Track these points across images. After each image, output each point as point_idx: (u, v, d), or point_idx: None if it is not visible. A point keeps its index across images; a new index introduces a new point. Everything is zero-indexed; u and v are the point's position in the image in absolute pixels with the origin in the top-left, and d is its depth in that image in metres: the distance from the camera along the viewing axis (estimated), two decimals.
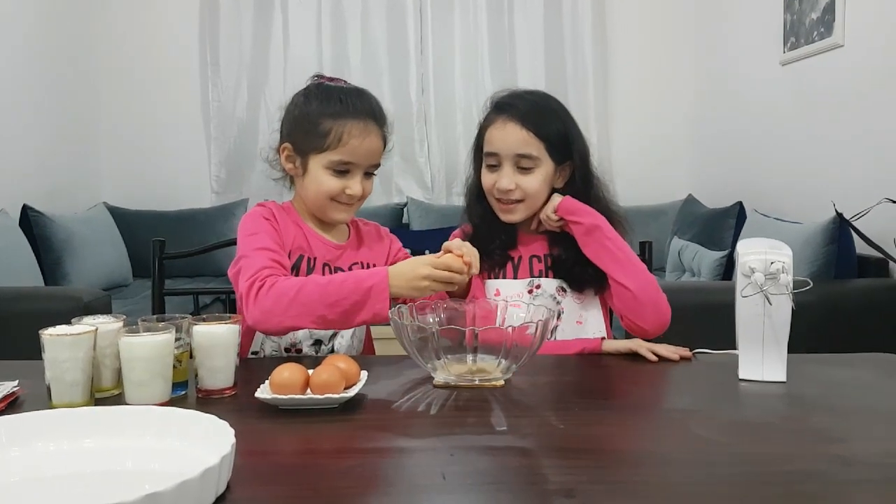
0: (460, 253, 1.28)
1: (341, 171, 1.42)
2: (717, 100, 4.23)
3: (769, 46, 3.52)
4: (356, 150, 1.41)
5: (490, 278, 1.54)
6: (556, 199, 1.50)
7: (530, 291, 1.52)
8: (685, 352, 1.37)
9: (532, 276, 1.54)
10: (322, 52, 4.54)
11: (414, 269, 1.27)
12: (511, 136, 1.48)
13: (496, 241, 1.54)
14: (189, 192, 4.47)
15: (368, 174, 1.47)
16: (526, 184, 1.49)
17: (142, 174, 4.49)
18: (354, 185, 1.43)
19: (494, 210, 1.54)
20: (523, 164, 1.48)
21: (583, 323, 1.51)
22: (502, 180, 1.49)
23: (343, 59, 4.55)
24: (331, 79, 1.51)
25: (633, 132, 4.64)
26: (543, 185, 1.50)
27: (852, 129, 2.89)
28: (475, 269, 1.29)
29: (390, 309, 1.24)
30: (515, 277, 1.54)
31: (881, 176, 2.67)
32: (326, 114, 1.42)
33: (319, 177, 1.43)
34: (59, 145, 3.99)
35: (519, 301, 1.34)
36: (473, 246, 1.48)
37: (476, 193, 1.58)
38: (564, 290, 1.52)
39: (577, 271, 1.51)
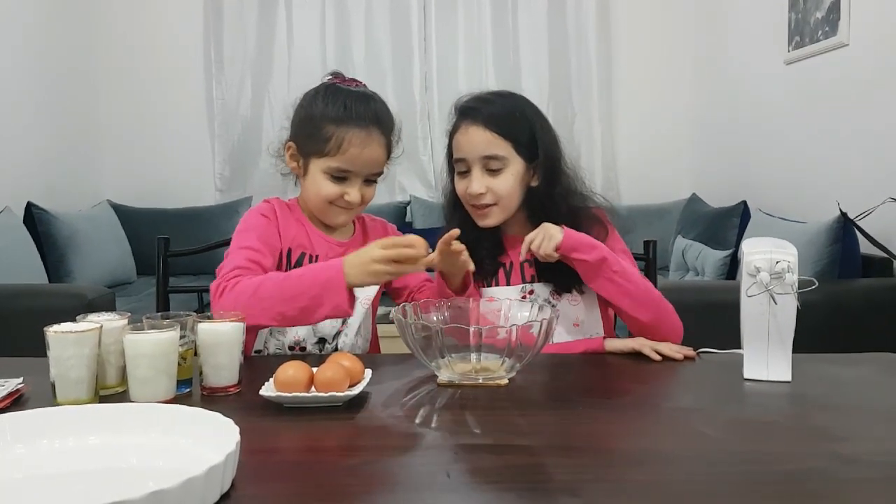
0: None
1: (339, 177, 1.42)
2: (722, 99, 4.23)
3: (774, 45, 3.51)
4: (355, 159, 1.41)
5: (483, 286, 1.53)
6: (556, 235, 1.40)
7: (524, 297, 1.50)
8: (689, 351, 1.36)
9: (524, 281, 1.52)
10: (326, 49, 4.55)
11: (366, 254, 1.25)
12: (475, 139, 1.46)
13: (483, 248, 1.52)
14: (193, 189, 4.47)
15: (369, 181, 1.46)
16: (496, 186, 1.46)
17: (145, 172, 4.50)
18: (353, 191, 1.42)
19: (472, 216, 1.52)
20: (492, 166, 1.46)
21: (580, 325, 1.50)
22: (472, 184, 1.46)
23: (347, 56, 4.55)
24: (345, 80, 1.49)
25: (637, 131, 4.64)
26: (515, 185, 1.48)
27: (857, 128, 2.88)
28: (427, 250, 1.25)
29: (395, 308, 1.24)
30: (508, 284, 1.53)
31: (886, 175, 2.67)
32: (329, 118, 1.41)
33: (318, 181, 1.43)
34: (63, 143, 4.00)
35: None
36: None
37: (452, 202, 1.56)
38: (559, 294, 1.51)
39: (565, 272, 1.47)
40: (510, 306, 1.33)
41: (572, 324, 1.50)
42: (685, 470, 0.86)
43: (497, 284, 1.53)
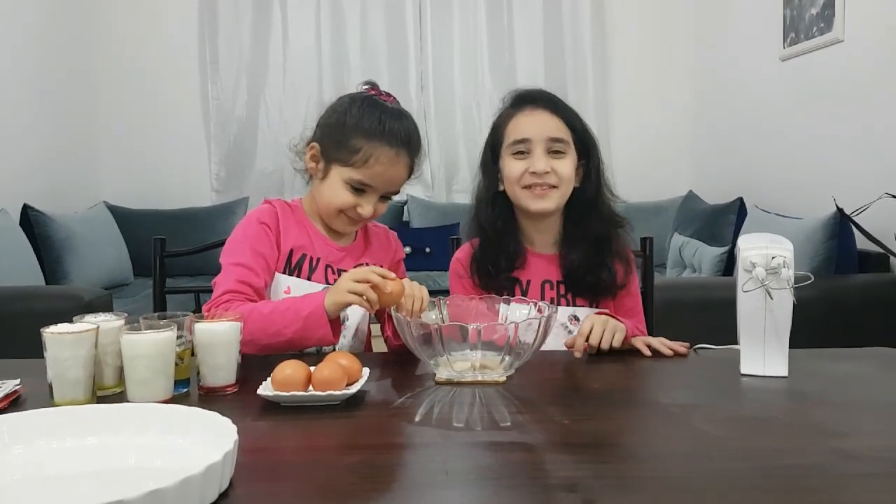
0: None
1: (358, 189, 1.42)
2: (718, 96, 4.23)
3: (769, 42, 3.52)
4: (379, 177, 1.40)
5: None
6: (620, 326, 1.35)
7: None
8: (679, 347, 1.36)
9: (543, 298, 1.49)
10: (321, 50, 4.55)
11: (339, 283, 1.27)
12: (542, 121, 1.46)
13: (503, 260, 1.49)
14: (189, 190, 4.47)
15: (384, 198, 1.46)
16: (560, 168, 1.45)
17: (142, 173, 4.49)
18: (367, 206, 1.42)
19: (522, 203, 1.47)
20: (556, 148, 1.45)
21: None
22: (537, 163, 1.44)
23: (342, 56, 4.55)
24: (381, 93, 1.48)
25: (633, 129, 4.64)
26: (573, 174, 1.48)
27: (852, 124, 2.89)
28: (391, 287, 1.23)
29: (393, 307, 1.24)
30: None
31: (881, 171, 2.67)
32: (362, 130, 1.40)
33: (336, 188, 1.42)
34: (60, 145, 3.99)
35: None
36: (479, 259, 1.49)
37: (488, 199, 1.52)
38: (577, 319, 1.49)
39: (590, 280, 1.48)
40: (509, 304, 1.33)
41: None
42: (683, 465, 0.86)
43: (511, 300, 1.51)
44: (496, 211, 1.52)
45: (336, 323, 1.29)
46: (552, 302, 1.49)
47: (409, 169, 1.46)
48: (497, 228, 1.51)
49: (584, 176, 1.51)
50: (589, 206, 1.50)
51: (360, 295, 1.24)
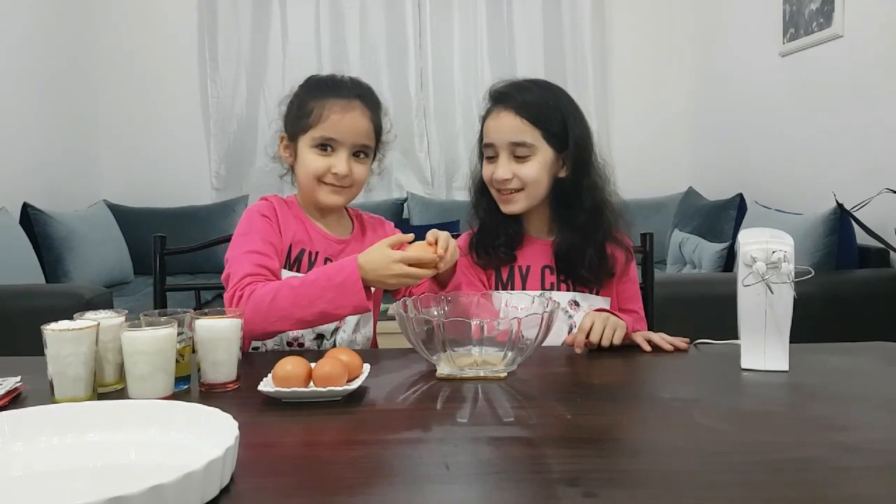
0: (433, 240, 1.28)
1: (324, 147, 1.42)
2: (717, 91, 4.23)
3: (768, 37, 3.51)
4: (337, 126, 1.41)
5: (498, 290, 1.52)
6: (621, 323, 1.36)
7: None
8: (680, 343, 1.36)
9: (543, 288, 1.52)
10: (321, 46, 4.54)
11: (385, 262, 1.27)
12: (505, 125, 1.47)
13: (501, 236, 1.53)
14: (189, 188, 4.46)
15: (357, 155, 1.45)
16: (523, 172, 1.47)
17: (142, 171, 4.49)
18: (339, 163, 1.42)
19: (497, 202, 1.52)
20: (519, 153, 1.46)
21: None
22: (499, 170, 1.47)
23: (342, 53, 4.54)
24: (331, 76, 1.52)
25: (633, 125, 4.63)
26: (542, 172, 1.48)
27: (852, 119, 2.89)
28: (445, 263, 1.29)
29: (395, 303, 1.24)
30: (524, 288, 1.52)
31: (881, 166, 2.67)
32: (312, 96, 1.44)
33: (306, 158, 1.44)
34: (59, 143, 3.99)
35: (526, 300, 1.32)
36: (480, 243, 1.49)
37: (480, 188, 1.56)
38: (577, 304, 1.50)
39: (581, 265, 1.49)
40: (510, 299, 1.33)
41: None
42: (684, 460, 0.86)
43: (513, 288, 1.52)
44: (488, 196, 1.54)
45: (369, 291, 1.30)
46: (552, 287, 1.51)
47: (371, 121, 1.46)
48: (492, 215, 1.54)
49: (568, 167, 1.50)
50: (575, 196, 1.49)
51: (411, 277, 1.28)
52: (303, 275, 1.39)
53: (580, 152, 1.49)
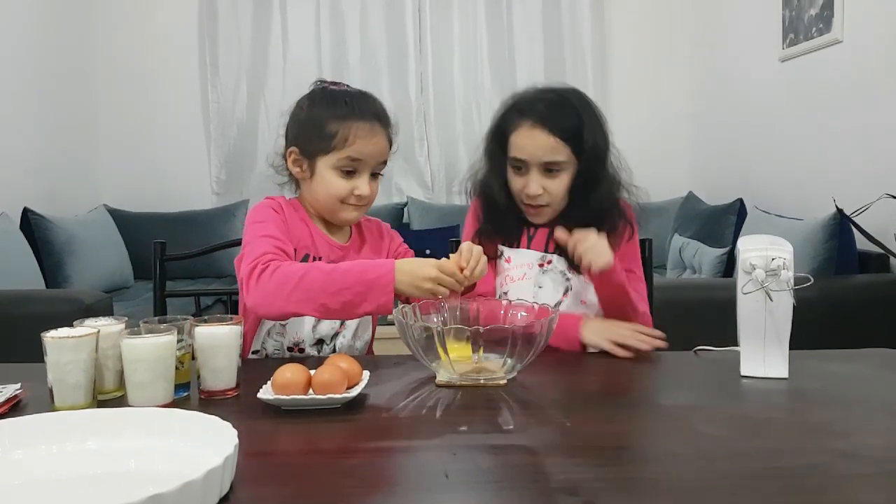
0: (466, 260, 1.27)
1: (349, 171, 1.42)
2: (717, 96, 4.23)
3: (768, 42, 3.52)
4: (363, 150, 1.42)
5: (503, 245, 1.57)
6: (606, 256, 1.40)
7: (541, 265, 1.53)
8: (655, 341, 1.38)
9: (546, 250, 1.55)
10: (321, 51, 4.55)
11: (421, 270, 1.27)
12: (539, 143, 1.46)
13: (512, 213, 1.56)
14: (189, 193, 4.47)
15: (375, 175, 1.47)
16: (553, 187, 1.49)
17: (142, 176, 4.49)
18: (363, 185, 1.43)
19: (522, 211, 1.55)
20: (550, 168, 1.48)
21: (586, 303, 1.53)
22: (531, 186, 1.48)
23: (342, 58, 4.55)
24: (333, 83, 1.51)
25: (633, 129, 4.59)
26: (568, 184, 1.50)
27: (852, 124, 2.89)
28: (476, 278, 1.28)
29: (395, 310, 1.24)
30: (528, 247, 1.56)
31: (881, 171, 2.67)
32: (332, 116, 1.42)
33: (327, 178, 1.43)
34: (59, 148, 4.00)
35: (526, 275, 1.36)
36: (490, 219, 1.54)
37: (500, 184, 1.55)
38: (576, 269, 1.52)
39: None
40: (510, 306, 1.33)
41: (580, 300, 1.53)
42: (683, 467, 0.86)
43: (518, 247, 1.56)
44: (505, 192, 1.55)
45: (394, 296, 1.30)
46: (555, 251, 1.54)
47: (388, 141, 1.47)
48: (504, 205, 1.55)
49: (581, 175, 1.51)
50: (583, 202, 1.51)
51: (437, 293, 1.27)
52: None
53: (594, 161, 1.51)
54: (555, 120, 1.47)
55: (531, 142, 1.47)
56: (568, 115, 1.49)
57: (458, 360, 1.16)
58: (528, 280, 1.54)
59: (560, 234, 1.46)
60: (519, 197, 1.53)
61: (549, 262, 1.54)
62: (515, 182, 1.52)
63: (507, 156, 1.52)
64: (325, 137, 1.42)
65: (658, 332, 1.40)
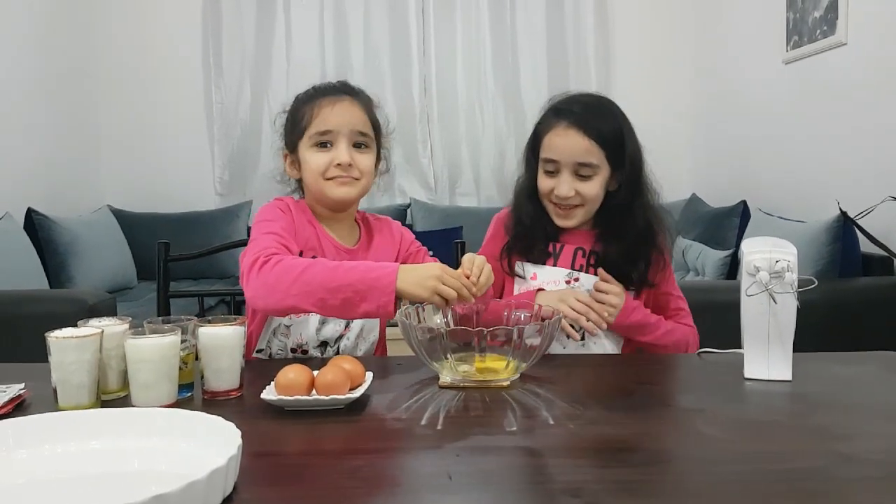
0: (469, 269, 1.26)
1: (323, 143, 1.44)
2: (720, 98, 4.23)
3: (772, 45, 3.51)
4: (328, 118, 1.43)
5: (528, 262, 1.55)
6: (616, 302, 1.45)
7: (568, 282, 1.52)
8: (600, 320, 1.42)
9: (572, 268, 1.53)
10: (325, 52, 4.55)
11: (426, 269, 1.25)
12: (573, 144, 1.45)
13: (538, 232, 1.54)
14: (193, 194, 4.47)
15: (358, 147, 1.45)
16: (585, 190, 1.47)
17: (145, 177, 4.50)
18: (340, 153, 1.42)
19: (550, 213, 1.52)
20: (583, 172, 1.46)
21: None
22: (561, 187, 1.47)
23: (345, 60, 4.55)
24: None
25: (636, 131, 4.61)
26: (601, 190, 1.49)
27: (856, 127, 2.89)
28: (482, 286, 1.27)
29: (399, 311, 1.24)
30: (555, 265, 1.54)
31: (885, 174, 2.67)
32: (302, 104, 1.48)
33: (307, 159, 1.45)
34: (63, 148, 4.00)
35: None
36: (517, 234, 1.53)
37: (528, 194, 1.55)
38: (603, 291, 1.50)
39: (625, 270, 1.50)
40: (513, 308, 1.33)
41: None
42: (687, 470, 0.86)
43: (544, 263, 1.55)
44: (537, 204, 1.54)
45: (397, 298, 1.26)
46: (581, 269, 1.53)
47: (364, 112, 1.47)
48: (536, 220, 1.54)
49: (619, 182, 1.51)
50: (628, 214, 1.51)
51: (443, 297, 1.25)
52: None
53: (635, 171, 1.51)
54: (591, 122, 1.46)
55: (565, 141, 1.46)
56: (605, 119, 1.48)
57: (492, 369, 1.17)
58: None
59: (603, 275, 1.48)
60: (547, 198, 1.51)
61: (577, 280, 1.52)
62: (545, 183, 1.50)
63: (539, 158, 1.51)
64: (298, 123, 1.46)
65: (613, 298, 1.43)
